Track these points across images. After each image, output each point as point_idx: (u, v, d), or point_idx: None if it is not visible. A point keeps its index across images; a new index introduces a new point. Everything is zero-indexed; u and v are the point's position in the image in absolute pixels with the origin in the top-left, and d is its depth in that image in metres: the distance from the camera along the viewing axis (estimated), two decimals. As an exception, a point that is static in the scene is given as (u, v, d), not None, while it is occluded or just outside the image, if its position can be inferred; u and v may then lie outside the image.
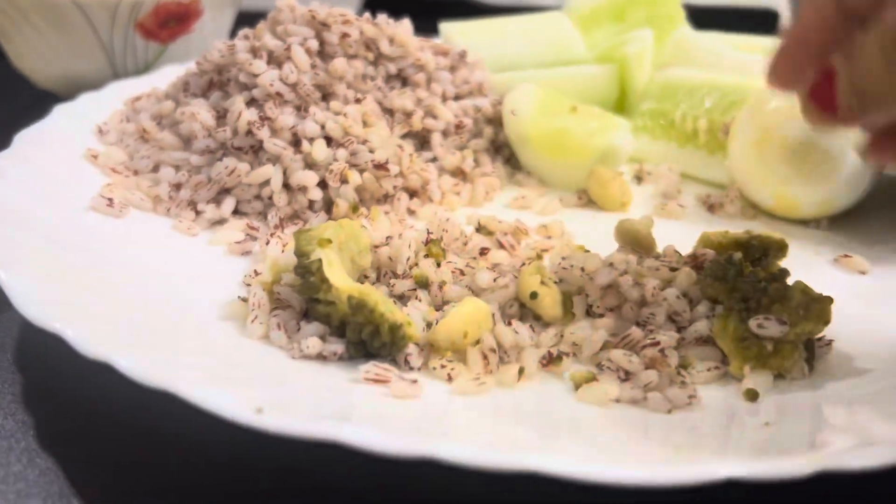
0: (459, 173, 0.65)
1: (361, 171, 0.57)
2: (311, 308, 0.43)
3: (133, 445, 0.39)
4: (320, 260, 0.43)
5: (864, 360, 0.42)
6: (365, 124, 0.60)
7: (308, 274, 0.42)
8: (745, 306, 0.41)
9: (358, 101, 0.61)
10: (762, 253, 0.46)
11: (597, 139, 0.64)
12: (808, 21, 0.39)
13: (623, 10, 0.82)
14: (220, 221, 0.57)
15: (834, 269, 0.53)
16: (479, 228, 0.55)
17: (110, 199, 0.54)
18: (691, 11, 0.84)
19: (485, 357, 0.42)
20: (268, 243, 0.53)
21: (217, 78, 0.63)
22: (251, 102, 0.59)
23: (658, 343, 0.41)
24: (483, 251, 0.51)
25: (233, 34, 0.83)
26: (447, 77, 0.67)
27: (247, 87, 0.60)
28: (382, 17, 0.67)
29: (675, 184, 0.65)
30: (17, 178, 0.53)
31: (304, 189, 0.57)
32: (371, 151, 0.58)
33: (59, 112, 0.63)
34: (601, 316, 0.45)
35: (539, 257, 0.52)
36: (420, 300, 0.46)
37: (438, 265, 0.48)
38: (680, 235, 0.51)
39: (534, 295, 0.45)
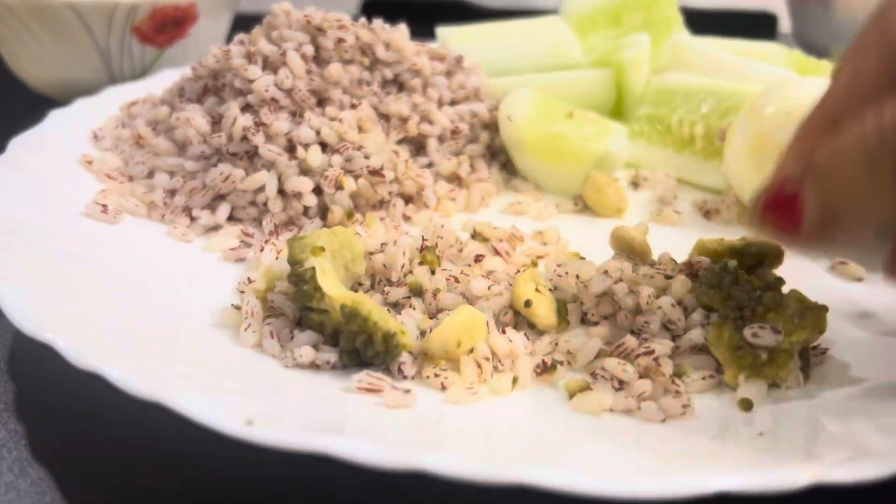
0: (455, 179, 0.64)
1: (356, 177, 0.57)
2: (304, 316, 0.43)
3: (125, 455, 0.39)
4: (313, 268, 0.42)
5: (859, 368, 0.42)
6: (360, 130, 0.60)
7: (301, 282, 0.42)
8: (740, 315, 0.41)
9: (353, 106, 0.61)
10: (758, 260, 0.46)
11: (593, 144, 0.64)
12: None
13: (620, 15, 0.82)
14: (215, 228, 0.56)
15: (830, 277, 0.53)
16: (475, 235, 0.55)
17: (104, 206, 0.54)
18: (688, 15, 0.84)
19: (479, 365, 0.42)
20: (262, 250, 0.53)
21: (212, 83, 0.63)
22: (246, 108, 0.59)
23: (652, 352, 0.41)
24: (478, 258, 0.51)
25: (229, 38, 0.83)
26: (443, 82, 0.67)
27: (242, 93, 0.60)
28: (378, 23, 0.67)
29: (671, 189, 0.65)
30: (11, 184, 0.53)
31: (298, 195, 0.57)
32: (366, 157, 0.57)
33: (55, 117, 0.63)
34: (596, 324, 0.45)
35: (534, 264, 0.52)
36: (414, 308, 0.45)
37: (433, 272, 0.48)
38: (676, 241, 0.50)
39: (528, 303, 0.45)
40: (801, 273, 0.50)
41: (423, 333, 0.43)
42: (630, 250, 0.49)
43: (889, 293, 0.50)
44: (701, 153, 0.67)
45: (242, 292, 0.47)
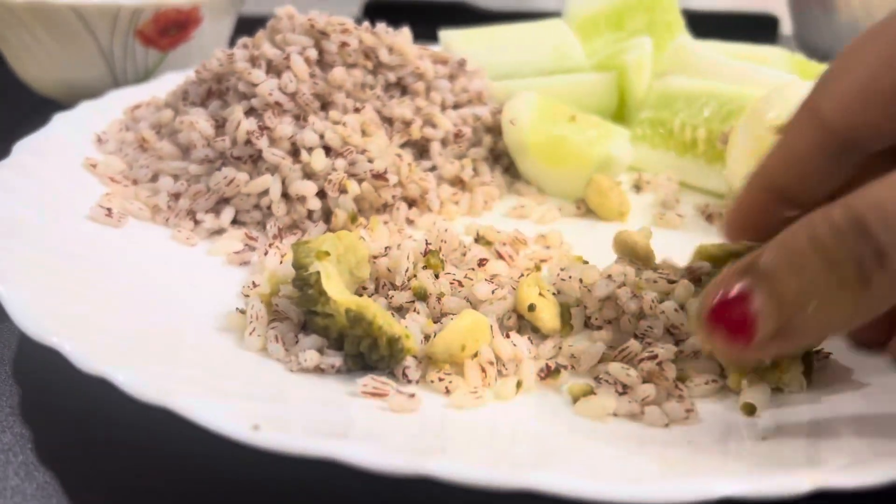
0: (458, 182, 0.65)
1: (360, 181, 0.57)
2: (309, 320, 0.43)
3: (131, 459, 0.39)
4: (318, 272, 0.42)
5: (863, 373, 0.42)
6: (364, 133, 0.60)
7: (306, 286, 0.42)
8: None
9: (357, 110, 0.61)
10: None
11: (596, 148, 0.64)
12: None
13: (622, 18, 0.82)
14: (219, 231, 0.57)
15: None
16: (478, 239, 0.55)
17: (109, 209, 0.54)
18: (690, 17, 0.84)
19: (483, 370, 0.42)
20: (266, 254, 0.53)
21: (216, 87, 0.63)
22: (250, 112, 0.59)
23: (656, 356, 0.41)
24: (481, 262, 0.51)
25: (232, 41, 0.84)
26: (446, 85, 0.67)
27: (245, 97, 0.60)
28: (381, 26, 0.67)
29: (673, 193, 0.66)
30: (16, 188, 0.53)
31: (302, 199, 0.57)
32: (370, 161, 0.58)
33: (59, 121, 0.63)
34: (599, 328, 0.45)
35: (537, 268, 0.52)
36: (418, 312, 0.46)
37: (437, 276, 0.48)
38: (678, 245, 0.51)
39: (531, 307, 0.45)
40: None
41: (427, 337, 0.43)
42: (633, 254, 0.49)
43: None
44: (703, 157, 0.67)
45: (247, 296, 0.48)
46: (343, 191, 0.57)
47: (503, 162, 0.69)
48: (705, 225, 0.62)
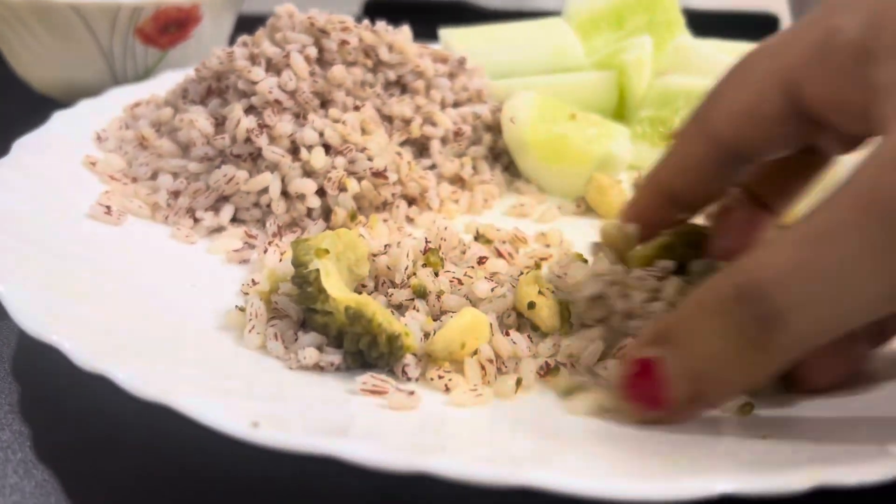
0: (458, 181, 0.65)
1: (360, 179, 0.57)
2: (308, 318, 0.43)
3: (131, 457, 0.39)
4: (317, 270, 0.42)
5: (863, 371, 0.42)
6: (364, 132, 0.60)
7: (305, 284, 0.42)
8: None
9: (357, 108, 0.61)
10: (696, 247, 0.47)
11: (596, 146, 0.64)
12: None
13: (622, 17, 0.82)
14: (219, 229, 0.57)
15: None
16: (478, 237, 0.55)
17: (108, 207, 0.54)
18: (690, 16, 0.84)
19: (482, 367, 0.42)
20: (266, 252, 0.53)
21: (216, 85, 0.63)
22: (250, 110, 0.59)
23: None
24: (481, 260, 0.51)
25: (232, 39, 0.83)
26: (446, 84, 0.67)
27: (245, 95, 0.60)
28: (381, 24, 0.67)
29: (673, 191, 0.65)
30: (15, 186, 0.53)
31: (302, 197, 0.57)
32: (370, 159, 0.58)
33: (58, 119, 0.63)
34: (590, 327, 0.45)
35: (537, 266, 0.52)
36: (418, 310, 0.46)
37: (436, 274, 0.48)
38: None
39: (531, 305, 0.45)
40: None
41: (426, 335, 0.43)
42: (615, 245, 0.49)
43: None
44: (703, 155, 0.67)
45: (246, 294, 0.48)
46: (343, 189, 0.57)
47: (503, 160, 0.68)
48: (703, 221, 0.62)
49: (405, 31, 0.68)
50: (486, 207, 0.64)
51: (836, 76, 0.36)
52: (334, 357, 0.42)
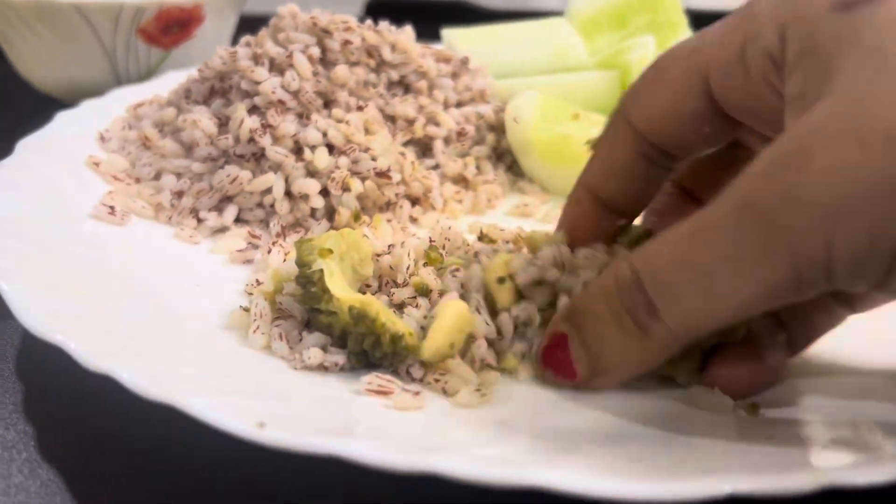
0: (461, 181, 0.64)
1: (363, 179, 0.57)
2: (312, 318, 0.43)
3: (136, 457, 0.39)
4: (321, 270, 0.42)
5: (869, 372, 0.42)
6: (367, 132, 0.60)
7: (309, 284, 0.42)
8: None
9: (360, 108, 0.61)
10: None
11: (599, 147, 0.64)
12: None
13: (625, 17, 0.81)
14: (222, 229, 0.56)
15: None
16: (482, 237, 0.55)
17: (112, 208, 0.54)
18: (693, 17, 0.84)
19: (477, 364, 0.41)
20: (269, 252, 0.53)
21: (219, 85, 0.63)
22: (253, 110, 0.59)
23: None
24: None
25: (234, 39, 0.83)
26: (449, 84, 0.67)
27: (248, 95, 0.60)
28: (384, 24, 0.67)
29: (677, 191, 0.65)
30: (19, 186, 0.53)
31: (306, 197, 0.57)
32: (373, 159, 0.58)
33: (62, 119, 0.63)
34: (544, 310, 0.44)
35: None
36: (419, 308, 0.45)
37: (441, 272, 0.48)
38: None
39: (502, 280, 0.44)
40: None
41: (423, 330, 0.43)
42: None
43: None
44: (707, 155, 0.67)
45: (250, 294, 0.47)
46: (346, 189, 0.57)
47: (506, 160, 0.68)
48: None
49: (408, 31, 0.68)
50: (489, 207, 0.64)
51: (752, 84, 0.36)
52: (338, 357, 0.42)
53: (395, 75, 0.65)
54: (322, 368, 0.41)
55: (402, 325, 0.42)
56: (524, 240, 0.48)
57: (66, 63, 0.78)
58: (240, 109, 0.58)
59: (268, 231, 0.56)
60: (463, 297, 0.44)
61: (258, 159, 0.58)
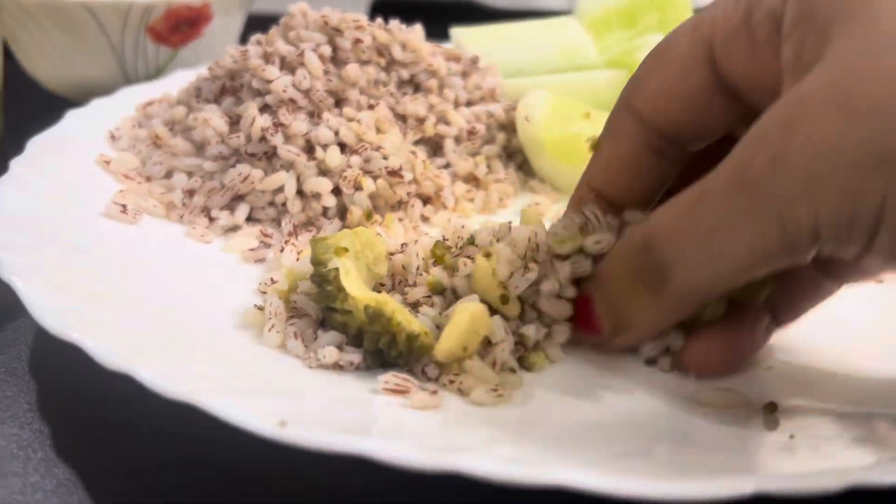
0: (472, 179, 0.64)
1: (375, 178, 0.57)
2: (327, 317, 0.43)
3: (153, 455, 0.39)
4: (337, 269, 0.42)
5: (887, 369, 0.42)
6: (378, 130, 0.60)
7: (325, 283, 0.42)
8: None
9: (371, 107, 0.61)
10: None
11: (610, 145, 0.64)
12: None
13: (634, 15, 0.81)
14: (234, 228, 0.56)
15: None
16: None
17: (123, 206, 0.54)
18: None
19: (496, 365, 0.41)
20: (282, 251, 0.53)
21: (230, 84, 0.62)
22: (264, 108, 0.59)
23: None
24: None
25: (243, 38, 0.83)
26: (459, 83, 0.67)
27: (260, 93, 0.60)
28: (395, 23, 0.67)
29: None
30: (32, 185, 0.53)
31: (317, 196, 0.56)
32: (385, 158, 0.57)
33: (72, 117, 0.63)
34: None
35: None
36: (435, 306, 0.45)
37: (454, 269, 0.47)
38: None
39: (504, 299, 0.43)
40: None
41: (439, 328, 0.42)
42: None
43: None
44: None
45: (264, 293, 0.47)
46: (358, 188, 0.56)
47: (517, 159, 0.68)
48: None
49: (418, 30, 0.67)
50: (500, 206, 0.63)
51: (758, 50, 0.36)
52: (354, 356, 0.41)
53: (405, 74, 0.65)
54: (337, 367, 0.41)
55: (418, 324, 0.42)
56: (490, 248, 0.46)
57: (75, 62, 0.78)
58: (251, 108, 0.58)
59: (279, 230, 0.56)
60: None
61: (270, 158, 0.57)
